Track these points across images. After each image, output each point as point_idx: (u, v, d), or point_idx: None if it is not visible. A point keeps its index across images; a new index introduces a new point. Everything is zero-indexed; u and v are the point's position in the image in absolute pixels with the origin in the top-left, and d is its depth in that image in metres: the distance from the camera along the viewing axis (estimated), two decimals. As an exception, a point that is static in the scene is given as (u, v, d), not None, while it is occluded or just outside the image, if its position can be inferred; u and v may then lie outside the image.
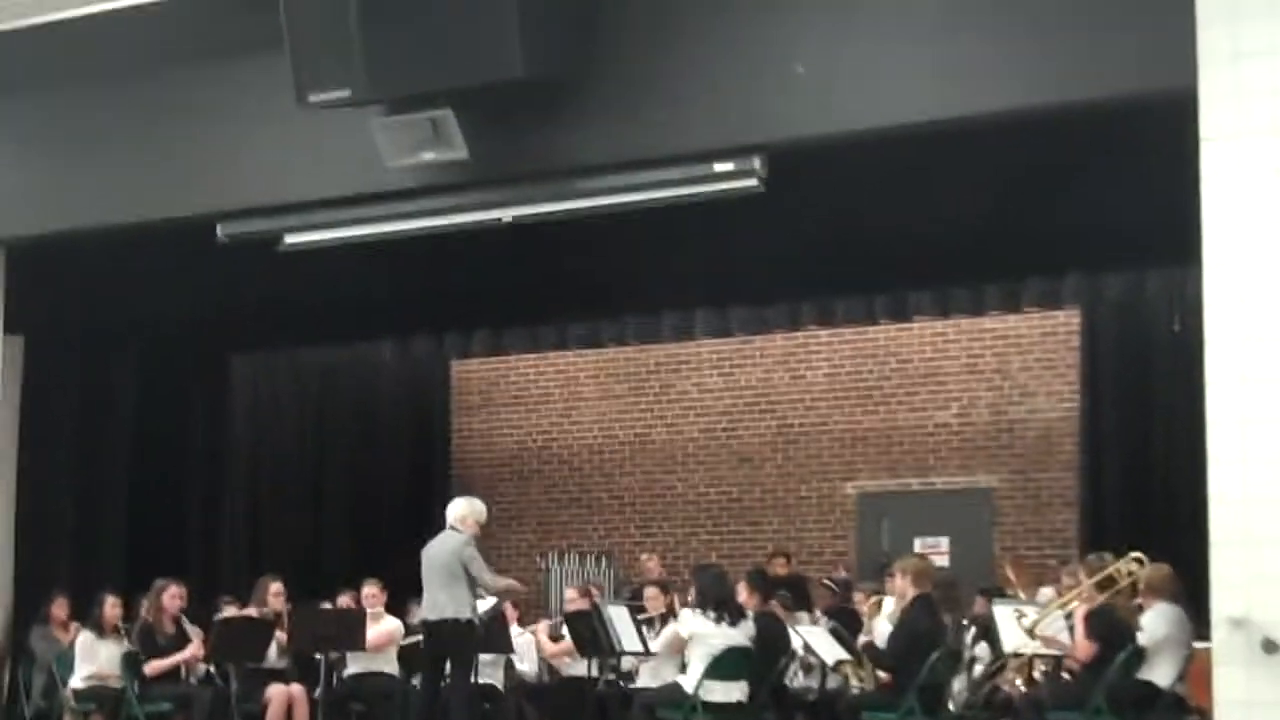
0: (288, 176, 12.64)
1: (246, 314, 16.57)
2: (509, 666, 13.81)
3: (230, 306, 16.22)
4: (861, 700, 11.53)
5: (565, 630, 13.49)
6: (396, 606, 14.34)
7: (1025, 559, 15.85)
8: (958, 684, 11.71)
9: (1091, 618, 10.90)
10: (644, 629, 12.43)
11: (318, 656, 13.17)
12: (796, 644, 12.53)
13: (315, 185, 12.59)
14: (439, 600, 11.86)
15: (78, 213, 13.50)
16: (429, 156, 11.54)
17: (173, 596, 13.41)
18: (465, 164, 11.57)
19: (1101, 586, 11.11)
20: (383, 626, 13.67)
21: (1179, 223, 10.37)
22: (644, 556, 18.07)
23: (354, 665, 13.67)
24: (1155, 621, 11.05)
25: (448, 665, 12.03)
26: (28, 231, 13.91)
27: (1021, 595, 12.87)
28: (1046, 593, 13.76)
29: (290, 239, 12.93)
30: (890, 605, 11.73)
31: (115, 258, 14.35)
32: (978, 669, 12.19)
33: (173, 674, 13.37)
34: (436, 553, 12.00)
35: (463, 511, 12.26)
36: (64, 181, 13.47)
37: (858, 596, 14.19)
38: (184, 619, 13.54)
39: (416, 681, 13.50)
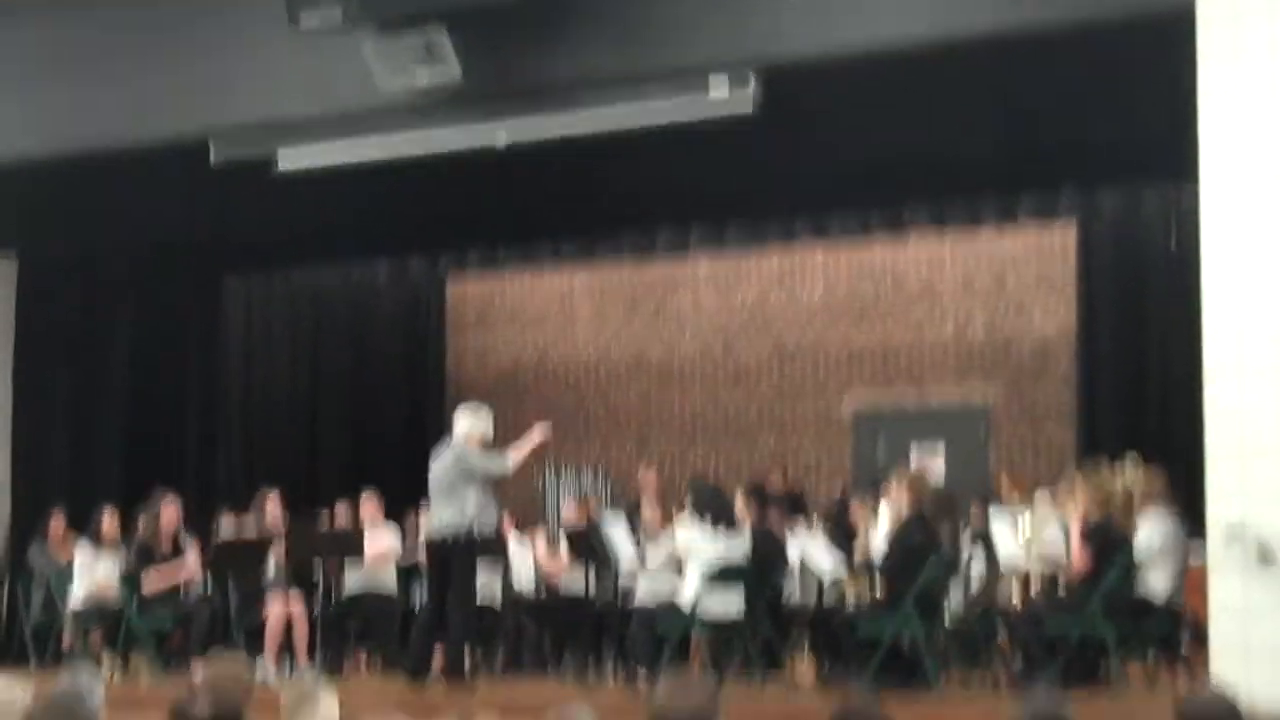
0: (281, 98, 12.64)
1: (241, 236, 16.58)
2: (506, 580, 13.82)
3: (224, 228, 16.22)
4: (857, 614, 11.60)
5: (563, 543, 13.52)
6: (395, 514, 14.34)
7: (1021, 471, 15.86)
8: (954, 595, 11.77)
9: (1088, 530, 10.95)
10: (641, 542, 12.46)
11: (316, 579, 13.21)
12: (793, 556, 12.58)
13: (308, 107, 12.58)
14: (442, 514, 11.79)
15: (73, 135, 13.48)
16: (422, 77, 11.52)
17: (170, 510, 13.37)
18: (459, 84, 11.54)
19: (1096, 497, 11.14)
20: (381, 538, 13.66)
21: (1176, 139, 10.39)
22: (642, 469, 18.10)
23: (352, 582, 13.71)
24: (1150, 531, 11.11)
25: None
26: (23, 153, 13.89)
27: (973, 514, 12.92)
28: (1043, 496, 13.85)
29: (284, 163, 12.92)
30: (885, 518, 11.76)
31: (108, 179, 14.35)
32: (974, 581, 12.25)
33: (171, 591, 13.41)
34: (438, 466, 11.89)
35: (466, 426, 12.04)
36: (59, 104, 13.46)
37: (853, 510, 14.23)
38: (181, 533, 13.55)
39: (415, 597, 13.56)
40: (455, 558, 11.84)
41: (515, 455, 12.01)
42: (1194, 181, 10.17)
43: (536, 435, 12.10)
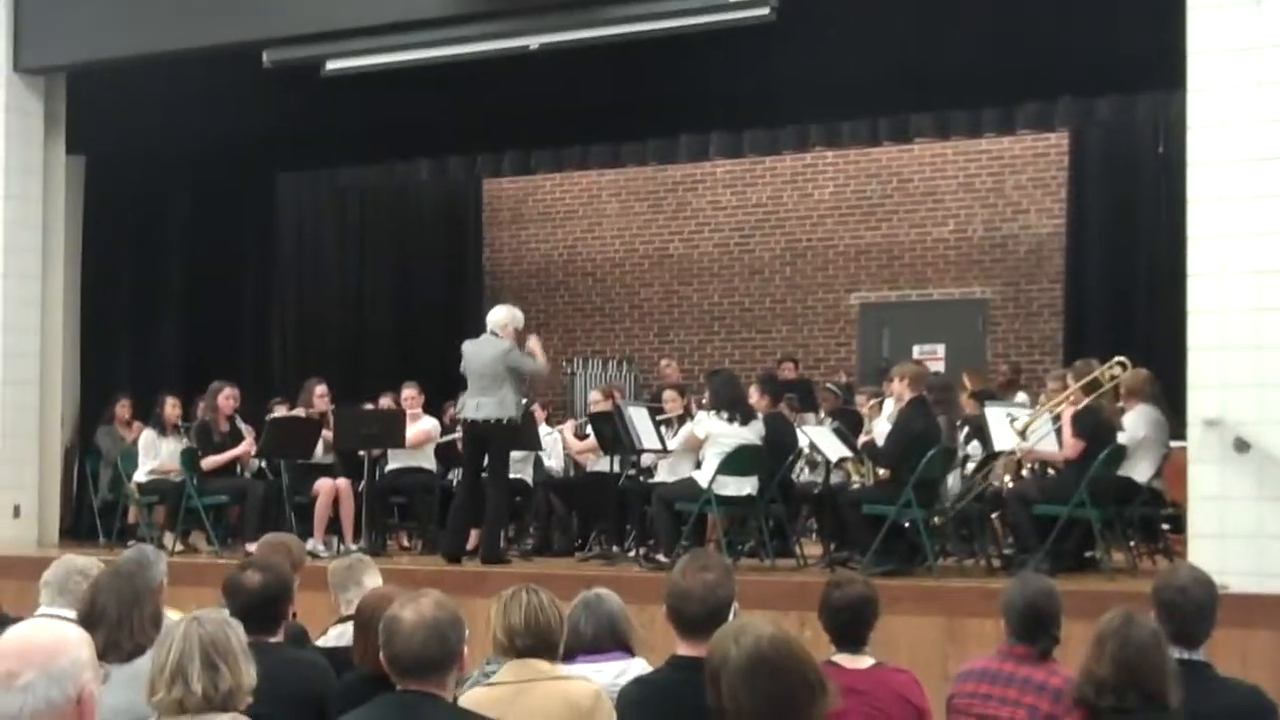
0: (328, 6, 12.63)
1: (292, 136, 16.53)
2: (538, 463, 13.90)
3: (276, 129, 16.18)
4: (862, 494, 11.60)
5: (589, 429, 13.56)
6: (434, 407, 14.41)
7: (980, 372, 15.74)
8: (951, 480, 11.77)
9: (1078, 417, 10.92)
10: (662, 428, 12.47)
11: (361, 453, 13.28)
12: (803, 442, 12.59)
13: (354, 14, 12.56)
14: (482, 402, 11.82)
15: (134, 41, 13.47)
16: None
17: (227, 397, 13.48)
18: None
19: (1087, 389, 11.12)
20: (421, 425, 13.73)
21: (1166, 50, 10.30)
22: (663, 362, 18.10)
23: (394, 461, 13.76)
24: (1136, 422, 11.09)
25: (485, 460, 12.07)
26: (88, 58, 13.87)
27: (966, 405, 12.88)
28: (1021, 398, 13.84)
29: (331, 65, 12.89)
30: (889, 407, 11.74)
31: (169, 83, 14.32)
32: (970, 466, 12.25)
33: (228, 468, 13.47)
34: (478, 356, 11.91)
35: (503, 319, 12.11)
36: (121, 12, 13.44)
37: (859, 399, 14.23)
38: (237, 418, 13.63)
39: (453, 476, 13.61)
40: (492, 444, 11.92)
41: (540, 357, 12.30)
42: (1182, 90, 10.09)
43: (535, 343, 12.43)
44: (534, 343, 12.38)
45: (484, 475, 12.06)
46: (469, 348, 12.07)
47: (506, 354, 11.83)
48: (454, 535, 12.18)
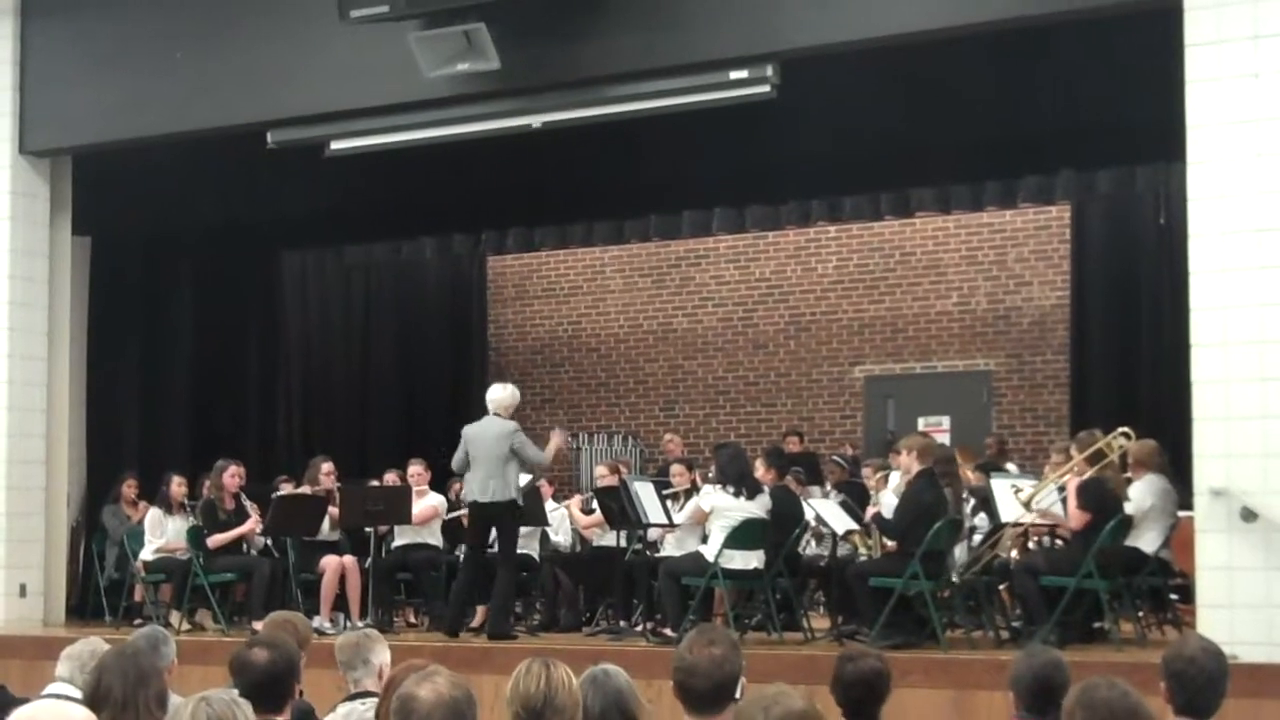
0: (332, 87, 12.68)
1: (296, 216, 16.60)
2: (544, 538, 13.89)
3: (281, 209, 16.24)
4: (868, 567, 11.56)
5: (596, 504, 13.54)
6: (439, 484, 14.39)
7: (969, 450, 15.73)
8: (958, 552, 11.74)
9: (1083, 489, 10.90)
10: (669, 503, 12.46)
11: (367, 530, 13.25)
12: (809, 515, 12.56)
13: (358, 95, 12.63)
14: (489, 485, 11.89)
15: (139, 123, 13.56)
16: (463, 66, 11.53)
17: (232, 475, 13.48)
18: (497, 73, 11.55)
19: (1092, 460, 11.10)
20: (427, 501, 13.73)
21: (1166, 123, 10.35)
22: (667, 436, 18.09)
23: (400, 537, 13.75)
24: (1142, 492, 11.06)
25: (492, 537, 12.09)
26: (94, 140, 13.95)
27: (970, 477, 12.86)
28: (1011, 468, 13.84)
29: (336, 145, 12.97)
30: (896, 479, 11.73)
31: (174, 164, 14.41)
32: (977, 538, 12.21)
33: (234, 546, 13.44)
34: (483, 438, 11.98)
35: (504, 399, 12.22)
36: (127, 95, 13.51)
37: (865, 471, 14.22)
38: (242, 496, 13.61)
39: (459, 552, 13.58)
40: (500, 523, 11.96)
41: (550, 451, 12.51)
42: (1182, 162, 10.13)
43: (558, 440, 12.73)
44: (556, 438, 12.58)
45: (491, 553, 12.07)
46: (471, 431, 12.13)
47: (512, 435, 11.92)
48: (456, 611, 12.18)
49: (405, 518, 13.27)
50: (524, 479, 13.00)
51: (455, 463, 12.38)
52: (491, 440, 11.93)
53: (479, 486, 11.98)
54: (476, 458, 11.99)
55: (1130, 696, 4.92)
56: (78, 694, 5.64)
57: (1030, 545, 11.92)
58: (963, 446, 14.87)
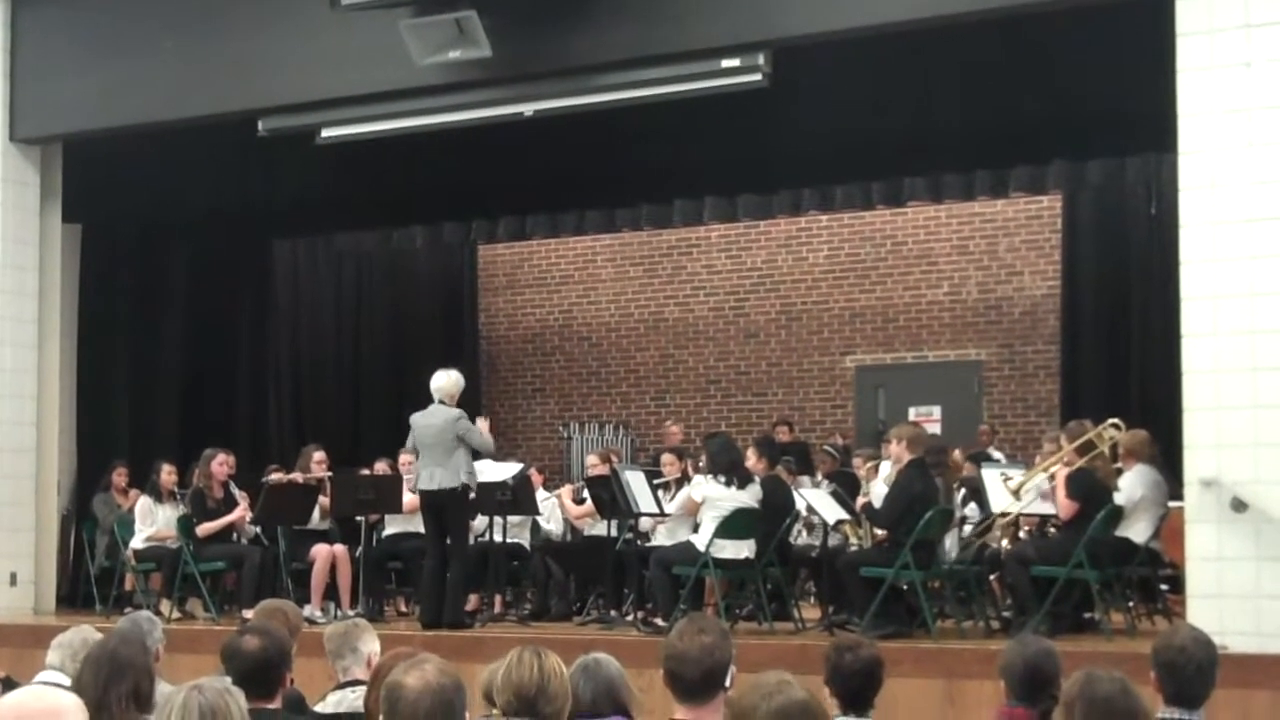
0: (324, 75, 12.66)
1: (287, 204, 16.58)
2: (535, 527, 13.90)
3: (272, 197, 16.23)
4: (859, 556, 11.57)
5: (587, 493, 13.54)
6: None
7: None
8: (949, 541, 11.74)
9: (1073, 479, 10.91)
10: (659, 492, 12.46)
11: (358, 519, 13.25)
12: (800, 505, 12.57)
13: (349, 83, 12.61)
14: (435, 473, 11.87)
15: (131, 111, 13.55)
16: (455, 54, 11.50)
17: (220, 464, 13.47)
18: (489, 61, 11.53)
19: (1082, 451, 11.12)
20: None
21: (1157, 113, 10.35)
22: (669, 424, 18.11)
23: (391, 526, 13.73)
24: (1133, 482, 11.08)
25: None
26: (85, 128, 13.94)
27: (963, 466, 12.88)
28: (997, 455, 13.86)
29: (327, 132, 12.95)
30: (886, 469, 11.73)
31: (165, 152, 14.39)
32: (967, 528, 12.22)
33: (224, 534, 13.43)
34: (429, 426, 11.96)
35: (448, 386, 12.17)
36: (118, 82, 13.50)
37: (856, 461, 14.21)
38: (232, 484, 13.60)
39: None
40: (448, 512, 11.94)
41: (490, 440, 12.55)
42: (1173, 152, 10.13)
43: (484, 424, 12.75)
44: (482, 424, 12.54)
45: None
46: (418, 419, 12.10)
47: (456, 422, 11.88)
48: (430, 603, 12.14)
49: (396, 507, 13.25)
50: (514, 468, 13.02)
51: (407, 451, 12.41)
52: (437, 428, 11.92)
53: (426, 475, 11.98)
54: (423, 446, 11.98)
55: (1131, 691, 4.94)
56: (68, 682, 5.62)
57: (1021, 535, 11.91)
58: (963, 449, 14.90)
